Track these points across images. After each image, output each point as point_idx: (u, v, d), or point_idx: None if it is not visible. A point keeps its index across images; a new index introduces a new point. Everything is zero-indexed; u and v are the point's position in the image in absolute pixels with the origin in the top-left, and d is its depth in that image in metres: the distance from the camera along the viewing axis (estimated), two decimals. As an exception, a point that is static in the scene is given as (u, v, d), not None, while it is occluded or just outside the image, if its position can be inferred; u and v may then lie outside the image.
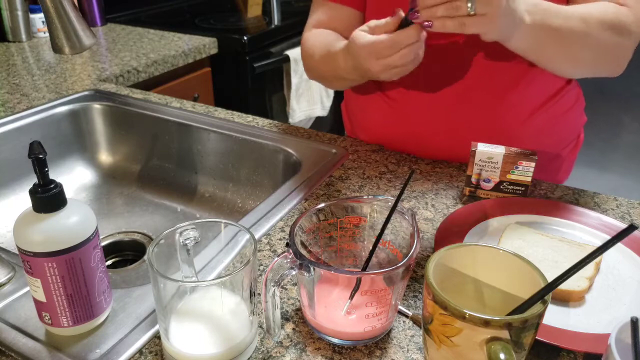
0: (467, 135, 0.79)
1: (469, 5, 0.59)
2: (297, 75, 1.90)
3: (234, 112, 1.04)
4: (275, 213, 0.73)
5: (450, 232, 0.66)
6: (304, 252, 0.52)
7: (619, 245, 0.63)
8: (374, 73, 0.71)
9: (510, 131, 0.82)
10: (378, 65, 0.69)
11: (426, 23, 0.63)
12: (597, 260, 0.61)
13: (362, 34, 0.70)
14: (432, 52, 0.81)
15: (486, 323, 0.39)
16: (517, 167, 0.73)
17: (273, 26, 1.82)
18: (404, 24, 0.67)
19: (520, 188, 0.74)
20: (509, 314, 0.42)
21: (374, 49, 0.68)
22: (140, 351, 0.51)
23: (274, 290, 0.48)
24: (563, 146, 0.91)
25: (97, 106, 1.07)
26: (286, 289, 0.59)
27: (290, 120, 1.90)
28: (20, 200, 0.96)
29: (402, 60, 0.68)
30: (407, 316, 0.55)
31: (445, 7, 0.60)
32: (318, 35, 0.88)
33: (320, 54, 0.84)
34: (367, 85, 0.91)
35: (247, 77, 1.69)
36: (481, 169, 0.74)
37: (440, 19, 0.61)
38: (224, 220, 0.52)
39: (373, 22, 0.69)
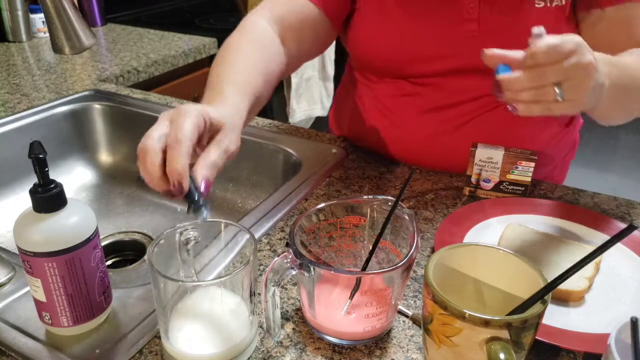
0: (464, 153, 0.76)
1: (557, 91, 0.54)
2: (297, 75, 1.90)
3: (234, 112, 1.03)
4: (275, 213, 0.73)
5: (450, 232, 0.66)
6: (304, 252, 0.52)
7: (619, 245, 0.63)
8: None
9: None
10: None
11: (510, 108, 0.58)
12: (597, 260, 0.61)
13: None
14: (427, 82, 0.79)
15: (486, 323, 0.39)
16: (516, 167, 0.73)
17: (273, 26, 1.82)
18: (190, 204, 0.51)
19: (520, 188, 0.74)
20: (509, 314, 0.42)
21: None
22: (140, 351, 0.51)
23: (274, 290, 0.48)
24: (562, 155, 0.91)
25: (97, 106, 1.07)
26: (286, 289, 0.59)
27: (290, 120, 1.91)
28: (21, 200, 0.96)
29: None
30: (407, 316, 0.55)
31: (531, 93, 0.55)
32: (243, 45, 0.70)
33: (218, 67, 0.66)
34: (357, 111, 0.89)
35: (247, 77, 1.69)
36: (481, 169, 0.74)
37: (526, 104, 0.56)
38: (224, 220, 0.52)
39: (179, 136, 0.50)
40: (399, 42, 0.78)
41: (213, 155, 0.52)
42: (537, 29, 0.54)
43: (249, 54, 0.69)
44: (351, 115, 0.94)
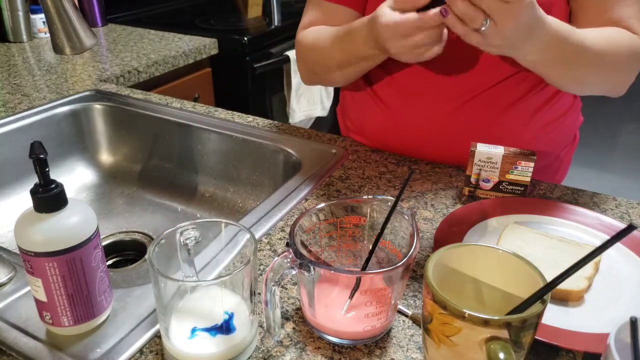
0: (464, 142, 0.78)
1: (485, 24, 0.59)
2: (297, 75, 1.90)
3: (234, 113, 1.04)
4: (276, 213, 0.73)
5: (450, 232, 0.66)
6: (304, 251, 0.52)
7: (618, 245, 0.64)
8: (394, 54, 0.69)
9: (508, 138, 0.82)
10: (401, 47, 0.67)
11: (442, 11, 0.61)
12: (596, 260, 0.61)
13: (387, 12, 0.67)
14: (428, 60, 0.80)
15: (485, 322, 0.39)
16: (516, 167, 0.73)
17: (273, 27, 1.82)
18: (434, 2, 0.63)
19: (519, 188, 0.74)
20: (508, 314, 0.42)
21: (398, 29, 0.65)
22: (140, 350, 0.52)
23: (274, 290, 0.48)
24: (560, 149, 0.91)
25: (97, 106, 1.07)
26: (286, 289, 0.60)
27: (290, 121, 1.91)
28: (21, 200, 0.96)
29: (427, 40, 0.65)
30: (406, 315, 0.55)
31: (468, 10, 0.59)
32: (319, 29, 0.86)
33: (331, 39, 0.81)
34: (362, 91, 0.90)
35: (248, 78, 1.69)
36: (480, 169, 0.74)
37: (455, 18, 0.60)
38: (224, 220, 0.52)
39: None
40: None
41: None
42: None
43: (328, 28, 0.83)
44: (351, 112, 0.95)
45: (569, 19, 0.78)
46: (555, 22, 0.65)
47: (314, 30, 0.87)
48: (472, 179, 0.75)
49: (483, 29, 0.59)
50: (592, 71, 0.73)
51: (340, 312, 0.51)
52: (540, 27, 0.63)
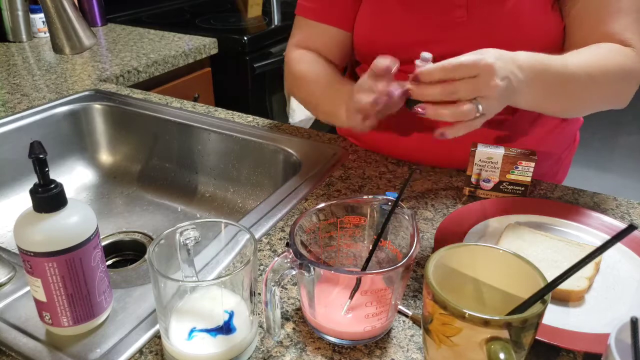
0: (464, 150, 0.77)
1: (479, 107, 0.59)
2: (297, 75, 1.90)
3: (234, 112, 1.04)
4: (275, 213, 0.73)
5: (450, 232, 0.66)
6: (304, 252, 0.52)
7: (619, 245, 0.63)
8: (342, 118, 0.73)
9: (509, 143, 0.81)
10: (346, 110, 0.70)
11: (438, 134, 0.61)
12: (596, 260, 0.61)
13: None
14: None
15: (486, 323, 0.39)
16: (516, 167, 0.73)
17: (273, 26, 1.82)
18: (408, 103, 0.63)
19: (519, 188, 0.74)
20: (509, 314, 0.42)
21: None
22: (140, 351, 0.51)
23: (274, 290, 0.48)
24: (560, 151, 0.91)
25: (97, 106, 1.07)
26: (286, 289, 0.59)
27: (290, 121, 1.90)
28: (21, 200, 0.96)
29: (367, 106, 0.66)
30: (407, 316, 0.55)
31: (452, 112, 0.59)
32: (310, 62, 0.86)
33: (321, 87, 0.83)
34: None
35: (247, 77, 1.69)
36: (481, 169, 0.74)
37: (454, 127, 0.61)
38: (224, 220, 0.52)
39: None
40: (390, 28, 0.79)
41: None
42: (427, 54, 0.59)
43: (317, 67, 0.85)
44: None
45: (564, 34, 0.78)
46: (528, 56, 0.64)
47: (306, 63, 0.87)
48: (473, 179, 0.75)
49: (478, 114, 0.59)
50: (585, 94, 0.71)
51: (340, 313, 0.51)
52: (518, 68, 0.62)
